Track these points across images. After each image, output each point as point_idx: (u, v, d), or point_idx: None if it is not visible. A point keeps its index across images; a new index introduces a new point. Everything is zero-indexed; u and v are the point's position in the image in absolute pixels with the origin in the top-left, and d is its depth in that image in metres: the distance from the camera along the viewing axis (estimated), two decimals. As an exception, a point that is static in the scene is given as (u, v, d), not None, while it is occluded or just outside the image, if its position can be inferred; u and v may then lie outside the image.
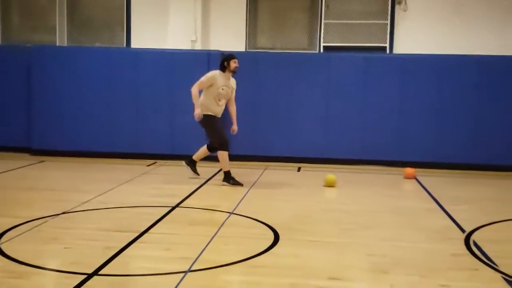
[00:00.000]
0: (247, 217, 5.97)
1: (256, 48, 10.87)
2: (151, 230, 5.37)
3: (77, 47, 10.57)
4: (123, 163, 9.49)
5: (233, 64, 7.59)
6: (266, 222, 5.70)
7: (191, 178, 8.19)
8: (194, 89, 7.49)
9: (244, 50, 10.69)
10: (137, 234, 5.16)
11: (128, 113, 9.97)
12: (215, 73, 7.60)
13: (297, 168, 9.51)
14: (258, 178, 8.48)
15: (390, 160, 9.70)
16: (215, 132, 7.70)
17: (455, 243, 5.18)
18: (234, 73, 7.69)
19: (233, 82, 7.84)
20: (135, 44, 10.64)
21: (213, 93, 7.56)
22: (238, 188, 7.62)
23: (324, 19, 10.59)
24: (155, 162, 9.65)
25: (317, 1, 10.70)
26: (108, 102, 9.97)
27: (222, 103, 7.70)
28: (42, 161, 9.55)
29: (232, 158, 9.94)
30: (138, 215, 6.10)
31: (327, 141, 9.89)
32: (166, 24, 10.35)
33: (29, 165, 9.15)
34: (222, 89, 7.60)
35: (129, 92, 9.93)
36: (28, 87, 10.02)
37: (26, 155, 9.95)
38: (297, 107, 9.92)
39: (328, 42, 10.63)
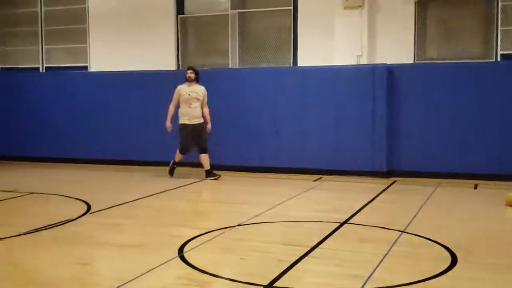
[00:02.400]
0: (420, 236, 5.71)
1: (425, 59, 10.47)
2: (321, 245, 5.39)
3: (248, 69, 11.11)
4: (289, 178, 9.69)
5: (187, 74, 9.47)
6: (442, 243, 5.40)
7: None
8: (170, 107, 9.56)
9: (412, 61, 10.35)
10: (308, 249, 5.22)
11: (293, 129, 10.20)
12: (179, 86, 9.53)
13: (473, 185, 8.90)
14: (431, 195, 8.09)
15: None
16: (181, 140, 9.56)
17: None
18: (188, 81, 9.46)
19: (198, 89, 9.47)
20: (302, 62, 10.87)
21: (182, 101, 9.39)
22: (409, 205, 7.35)
23: (501, 26, 9.85)
24: (321, 178, 9.71)
25: (492, 7, 10.00)
26: (275, 119, 10.31)
27: (194, 105, 9.32)
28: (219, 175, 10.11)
29: (401, 174, 9.67)
30: (308, 229, 6.18)
31: (508, 156, 9.14)
32: (332, 41, 10.42)
33: (206, 178, 9.72)
34: (189, 94, 9.34)
35: (295, 109, 10.17)
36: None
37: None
38: (472, 119, 9.34)
39: (507, 50, 9.85)
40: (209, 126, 9.62)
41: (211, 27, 11.70)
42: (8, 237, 5.70)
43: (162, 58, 11.53)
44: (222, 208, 7.31)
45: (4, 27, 13.22)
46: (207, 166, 9.59)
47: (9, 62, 13.25)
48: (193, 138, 9.50)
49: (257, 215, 6.73)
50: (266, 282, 4.29)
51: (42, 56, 12.90)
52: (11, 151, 12.20)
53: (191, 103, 9.39)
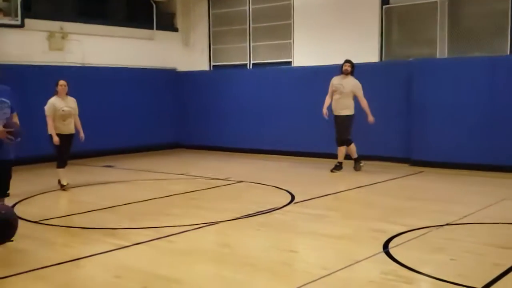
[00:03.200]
0: None
1: None
2: (545, 252, 4.88)
3: (457, 58, 10.41)
4: (503, 177, 8.91)
5: (343, 67, 9.65)
6: None
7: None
8: (326, 97, 9.87)
9: None
10: (528, 255, 4.76)
11: (506, 122, 9.33)
12: (333, 77, 9.77)
13: None
14: None
15: None
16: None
17: None
18: (343, 73, 9.62)
19: (347, 82, 9.58)
20: (520, 50, 9.89)
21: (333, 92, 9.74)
22: None
23: None
24: (541, 178, 8.77)
25: None
26: (491, 112, 9.53)
27: (336, 97, 9.63)
28: (421, 171, 9.73)
29: None
30: (527, 233, 5.64)
31: None
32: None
33: (409, 175, 9.45)
34: (336, 87, 9.62)
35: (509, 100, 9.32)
36: (409, 99, 10.39)
37: (406, 165, 10.28)
38: None
39: None
40: (370, 117, 9.52)
41: (418, 16, 11.18)
42: (223, 221, 6.17)
43: (365, 50, 11.38)
44: (428, 206, 6.99)
45: (217, 26, 14.30)
46: (339, 158, 9.76)
47: (221, 60, 14.30)
48: (336, 129, 9.69)
49: (467, 215, 6.31)
50: (479, 286, 4.04)
51: (249, 53, 13.66)
52: (221, 142, 13.22)
53: (336, 95, 9.63)
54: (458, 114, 9.82)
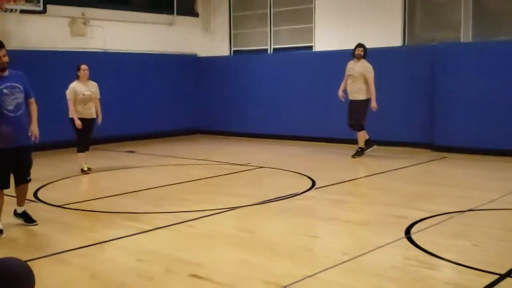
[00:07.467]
0: None
1: None
2: None
3: (481, 42, 10.21)
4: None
5: (356, 51, 9.57)
6: None
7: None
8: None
9: None
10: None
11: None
12: (349, 62, 9.76)
13: None
14: None
15: None
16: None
17: None
18: (356, 58, 9.58)
19: (359, 65, 9.55)
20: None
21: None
22: None
23: None
24: None
25: None
26: (511, 96, 9.35)
27: (349, 81, 9.68)
28: (444, 157, 9.61)
29: None
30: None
31: None
32: None
33: (431, 160, 9.34)
34: (348, 71, 9.69)
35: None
36: (432, 84, 10.24)
37: (428, 151, 10.17)
38: None
39: None
40: (373, 103, 9.46)
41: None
42: (243, 206, 6.18)
43: (388, 34, 11.22)
44: (450, 192, 6.91)
45: (237, 11, 14.20)
46: (360, 143, 9.69)
47: (242, 45, 14.23)
48: (350, 113, 9.70)
49: (490, 201, 6.23)
50: (503, 271, 4.00)
51: (270, 38, 13.56)
52: (241, 127, 13.22)
53: (349, 80, 9.69)
54: (482, 99, 9.66)
